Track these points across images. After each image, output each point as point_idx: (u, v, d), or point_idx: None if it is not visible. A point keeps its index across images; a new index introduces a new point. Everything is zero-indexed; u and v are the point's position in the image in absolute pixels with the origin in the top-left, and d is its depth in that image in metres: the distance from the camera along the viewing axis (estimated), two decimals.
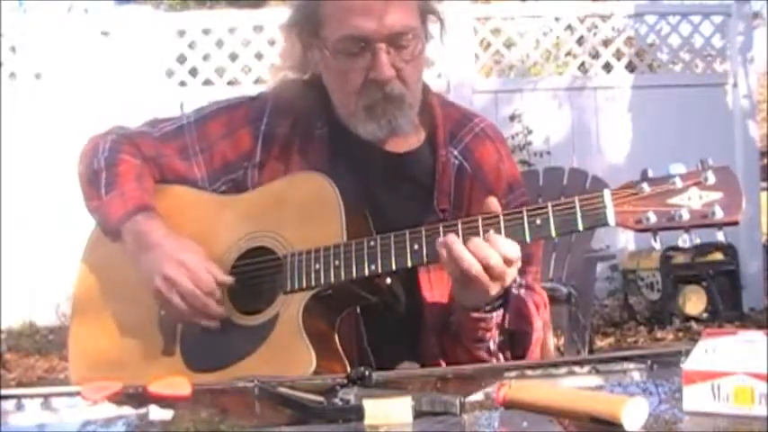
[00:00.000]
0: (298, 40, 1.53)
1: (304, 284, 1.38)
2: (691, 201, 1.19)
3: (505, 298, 1.40)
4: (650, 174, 1.22)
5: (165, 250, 1.45)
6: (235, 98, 1.65)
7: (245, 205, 1.52)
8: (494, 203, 1.33)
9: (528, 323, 1.47)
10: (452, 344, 1.47)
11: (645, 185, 1.21)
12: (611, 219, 1.22)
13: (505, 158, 1.59)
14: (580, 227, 1.25)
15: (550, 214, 1.26)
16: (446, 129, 1.56)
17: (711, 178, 1.18)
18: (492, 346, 1.43)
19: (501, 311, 1.40)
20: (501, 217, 1.29)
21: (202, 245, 1.49)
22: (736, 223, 1.17)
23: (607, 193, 1.23)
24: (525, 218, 1.27)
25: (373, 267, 1.34)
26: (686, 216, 1.18)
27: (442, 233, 1.31)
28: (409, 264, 1.34)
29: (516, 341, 1.46)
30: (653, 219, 1.20)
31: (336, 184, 1.43)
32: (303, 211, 1.43)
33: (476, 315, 1.39)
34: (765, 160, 8.41)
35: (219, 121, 1.60)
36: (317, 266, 1.38)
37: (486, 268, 1.28)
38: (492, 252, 1.27)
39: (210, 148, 1.58)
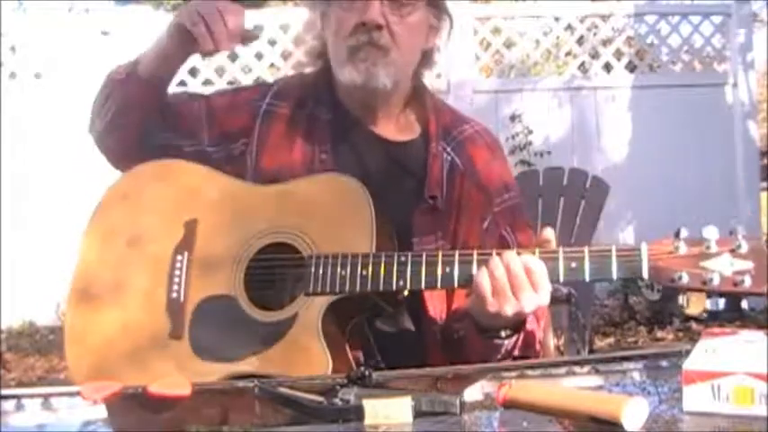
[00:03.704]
0: (313, 11, 1.61)
1: (328, 289, 1.37)
2: (723, 267, 1.21)
3: (519, 327, 1.39)
4: (684, 233, 1.24)
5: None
6: (241, 86, 1.70)
7: (271, 197, 1.51)
8: (549, 233, 1.34)
9: (534, 350, 1.47)
10: (454, 356, 1.47)
11: (681, 245, 1.23)
12: (645, 272, 1.25)
13: (499, 159, 1.61)
14: (614, 276, 1.27)
15: (586, 259, 1.27)
16: (439, 125, 1.59)
17: (744, 247, 1.21)
18: None
19: (513, 340, 1.40)
20: (537, 254, 1.30)
21: (223, 231, 1.48)
22: (762, 294, 1.21)
23: (644, 248, 1.25)
24: (561, 259, 1.29)
25: (401, 283, 1.34)
26: (717, 281, 1.21)
27: (476, 259, 1.31)
28: (439, 286, 1.34)
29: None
30: (686, 279, 1.22)
31: (337, 166, 1.48)
32: (333, 214, 1.43)
33: (487, 341, 1.38)
34: (765, 160, 8.42)
35: (224, 97, 1.69)
36: (343, 273, 1.36)
37: (509, 272, 1.27)
38: (515, 258, 1.28)
39: (213, 117, 1.63)
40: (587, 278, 1.28)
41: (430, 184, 1.53)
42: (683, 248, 1.23)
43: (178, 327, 1.46)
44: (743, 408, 0.91)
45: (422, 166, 1.55)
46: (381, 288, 1.35)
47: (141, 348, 1.45)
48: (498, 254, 1.30)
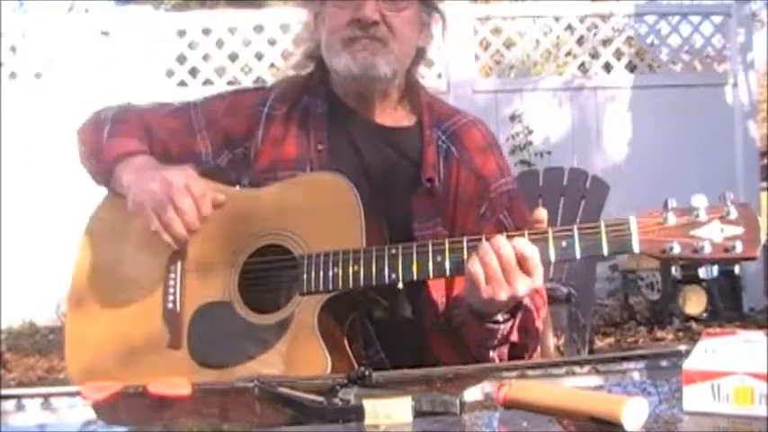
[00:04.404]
0: (308, 11, 1.61)
1: (321, 287, 1.37)
2: (713, 234, 1.20)
3: (515, 311, 1.40)
4: (672, 203, 1.23)
5: (152, 170, 1.48)
6: (239, 87, 1.68)
7: (261, 201, 1.51)
8: (542, 213, 1.34)
9: (532, 337, 1.48)
10: (451, 341, 1.47)
11: (670, 215, 1.22)
12: (635, 246, 1.24)
13: (493, 146, 1.62)
14: (605, 252, 1.26)
15: (576, 237, 1.27)
16: (432, 115, 1.60)
17: (734, 213, 1.20)
18: (492, 353, 1.43)
19: (509, 324, 1.40)
20: (526, 235, 1.29)
21: (215, 238, 1.48)
22: (754, 258, 1.20)
23: (633, 221, 1.25)
24: (551, 238, 1.28)
25: (394, 276, 1.34)
26: (708, 249, 1.20)
27: (465, 246, 1.31)
28: (431, 276, 1.34)
29: (517, 352, 1.47)
30: (677, 249, 1.21)
31: (335, 156, 1.48)
32: (322, 213, 1.43)
33: (483, 325, 1.39)
34: (765, 160, 8.42)
35: (224, 102, 1.65)
36: (336, 269, 1.36)
37: (499, 256, 1.27)
38: (505, 242, 1.28)
39: (214, 123, 1.61)
40: (578, 256, 1.27)
41: (425, 167, 1.54)
42: (673, 219, 1.22)
43: (176, 337, 1.47)
44: (743, 408, 0.91)
45: (418, 151, 1.56)
46: (374, 283, 1.35)
47: (141, 360, 1.45)
48: (488, 239, 1.30)
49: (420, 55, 1.61)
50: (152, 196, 1.43)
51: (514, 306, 1.38)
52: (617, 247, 1.26)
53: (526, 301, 1.46)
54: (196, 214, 1.43)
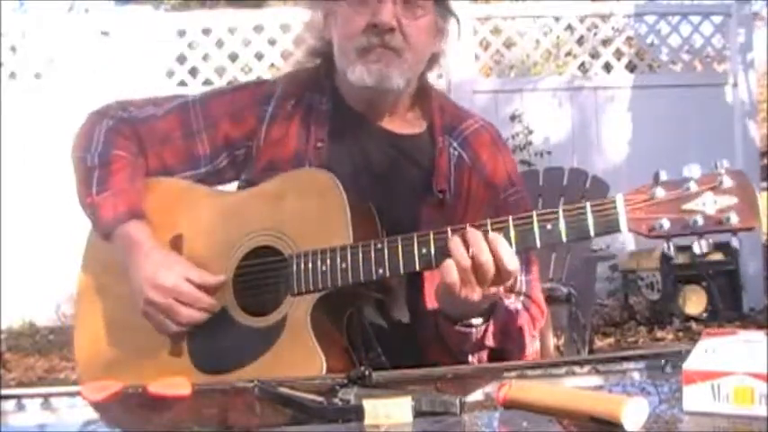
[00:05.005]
0: (317, 10, 1.57)
1: (311, 287, 1.36)
2: (705, 206, 1.14)
3: (489, 315, 1.39)
4: (663, 176, 1.17)
5: (146, 272, 1.44)
6: (240, 83, 1.66)
7: (248, 202, 1.50)
8: None
9: (515, 342, 1.46)
10: (442, 345, 1.47)
11: (659, 190, 1.16)
12: (623, 225, 1.18)
13: (504, 153, 1.61)
14: (591, 233, 1.21)
15: (561, 219, 1.23)
16: (444, 120, 1.58)
17: (727, 182, 1.13)
18: (471, 358, 1.43)
19: (482, 328, 1.39)
20: (510, 221, 1.27)
21: (207, 243, 1.48)
22: (751, 229, 1.14)
23: (620, 199, 1.19)
24: (536, 222, 1.25)
25: (381, 271, 1.33)
26: (701, 222, 1.13)
27: (450, 237, 1.29)
28: (417, 268, 1.32)
29: (498, 357, 1.46)
30: (666, 225, 1.15)
31: (336, 158, 1.45)
32: (308, 210, 1.41)
33: (455, 328, 1.38)
34: (765, 160, 8.42)
35: (224, 100, 1.61)
36: (324, 268, 1.36)
37: (476, 264, 1.26)
38: (484, 247, 1.25)
39: (214, 125, 1.58)
40: (564, 239, 1.23)
41: (438, 178, 1.52)
42: (662, 193, 1.15)
43: (177, 344, 1.47)
44: (743, 408, 0.91)
45: (428, 159, 1.54)
46: (363, 279, 1.34)
47: (143, 368, 1.45)
48: (465, 241, 1.27)
49: (434, 60, 1.59)
50: (160, 309, 1.44)
51: (489, 310, 1.38)
52: (604, 228, 1.20)
53: (513, 306, 1.46)
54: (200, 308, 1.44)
